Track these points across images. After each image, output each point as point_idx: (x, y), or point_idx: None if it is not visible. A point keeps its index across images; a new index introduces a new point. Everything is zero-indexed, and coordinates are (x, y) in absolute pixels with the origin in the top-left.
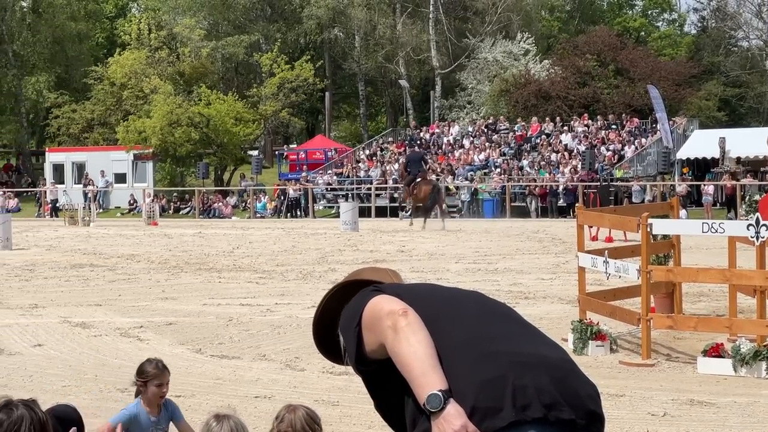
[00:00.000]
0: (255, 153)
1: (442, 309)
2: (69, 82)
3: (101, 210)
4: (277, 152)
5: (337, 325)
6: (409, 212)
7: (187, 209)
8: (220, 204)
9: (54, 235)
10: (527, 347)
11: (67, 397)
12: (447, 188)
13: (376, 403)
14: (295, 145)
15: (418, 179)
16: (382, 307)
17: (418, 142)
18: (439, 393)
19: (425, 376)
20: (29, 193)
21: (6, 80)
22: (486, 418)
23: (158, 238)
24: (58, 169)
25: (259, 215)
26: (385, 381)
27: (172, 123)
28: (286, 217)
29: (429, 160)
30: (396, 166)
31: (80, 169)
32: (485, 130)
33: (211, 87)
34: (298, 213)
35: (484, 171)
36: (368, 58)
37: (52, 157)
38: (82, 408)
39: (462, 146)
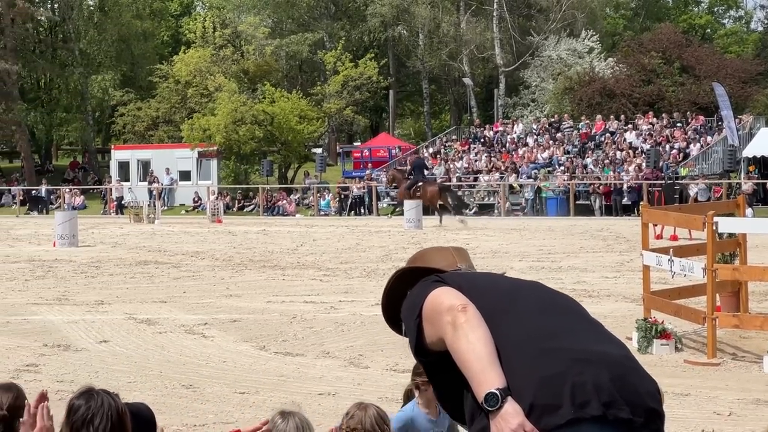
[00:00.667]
0: (319, 151)
1: (502, 302)
2: (134, 80)
3: (166, 207)
4: (341, 150)
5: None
6: (391, 213)
7: (252, 207)
8: (284, 202)
9: (119, 232)
10: (588, 343)
11: (132, 393)
12: (512, 187)
13: (435, 391)
14: (359, 143)
15: (420, 183)
16: (441, 301)
17: (482, 140)
18: (497, 391)
19: (483, 373)
20: (95, 191)
21: (73, 78)
22: (544, 415)
23: (222, 236)
24: (124, 166)
25: (322, 213)
26: (444, 372)
27: (236, 121)
28: (350, 215)
29: (428, 167)
30: (459, 163)
31: (145, 166)
32: (549, 128)
33: (275, 85)
34: (362, 211)
35: (548, 169)
36: (432, 56)
37: (117, 155)
38: (147, 404)
39: (526, 144)
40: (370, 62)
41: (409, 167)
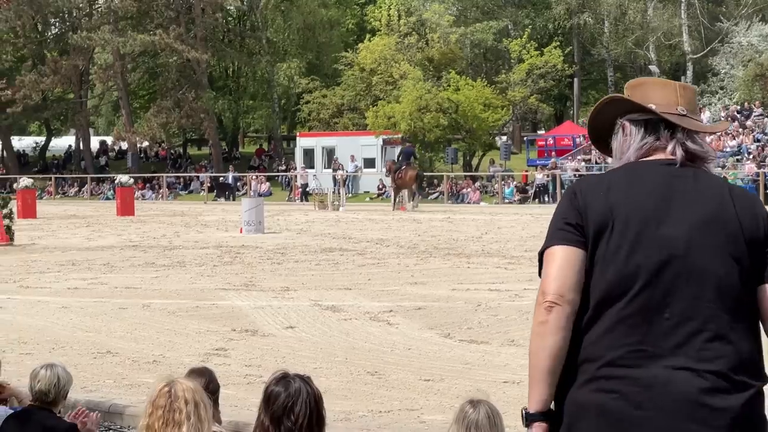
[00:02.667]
0: (503, 139)
1: (607, 290)
2: (320, 67)
3: (350, 194)
4: (525, 138)
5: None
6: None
7: (436, 194)
8: (469, 189)
9: (304, 219)
10: (659, 369)
11: (318, 380)
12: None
13: None
14: (543, 132)
15: (403, 167)
16: (545, 276)
17: None
18: (525, 414)
19: (532, 386)
20: (280, 178)
21: (259, 66)
22: None
23: (407, 223)
24: (309, 153)
25: (507, 201)
26: None
27: (421, 108)
28: (534, 203)
29: (417, 155)
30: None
31: (330, 153)
32: (738, 115)
33: (459, 73)
34: (546, 199)
35: (736, 158)
36: (618, 43)
37: (302, 142)
38: (332, 390)
39: (713, 132)
40: (554, 50)
41: (398, 154)
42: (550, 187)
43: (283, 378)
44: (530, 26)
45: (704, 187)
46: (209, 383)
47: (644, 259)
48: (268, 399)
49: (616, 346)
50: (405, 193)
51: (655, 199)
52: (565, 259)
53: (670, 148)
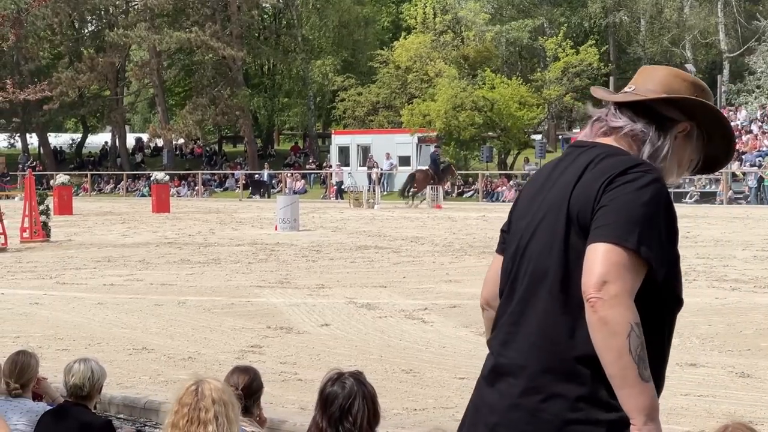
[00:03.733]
0: (539, 137)
1: (501, 286)
2: (355, 65)
3: (385, 192)
4: (560, 137)
5: None
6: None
7: (471, 193)
8: (504, 188)
9: (339, 216)
10: (498, 356)
11: None
12: (735, 174)
13: None
14: (578, 130)
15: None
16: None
17: None
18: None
19: None
20: (315, 175)
21: (295, 64)
22: None
23: (442, 221)
24: (344, 151)
25: None
26: None
27: (456, 106)
28: None
29: (440, 160)
30: None
31: (365, 151)
32: None
33: (495, 71)
34: None
35: None
36: (654, 42)
37: (337, 140)
38: None
39: (750, 132)
40: (590, 48)
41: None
42: None
43: (338, 378)
44: (566, 24)
45: (572, 168)
46: (252, 382)
47: (510, 253)
48: (325, 401)
49: (492, 335)
50: (439, 190)
51: (534, 190)
52: (493, 267)
53: None
